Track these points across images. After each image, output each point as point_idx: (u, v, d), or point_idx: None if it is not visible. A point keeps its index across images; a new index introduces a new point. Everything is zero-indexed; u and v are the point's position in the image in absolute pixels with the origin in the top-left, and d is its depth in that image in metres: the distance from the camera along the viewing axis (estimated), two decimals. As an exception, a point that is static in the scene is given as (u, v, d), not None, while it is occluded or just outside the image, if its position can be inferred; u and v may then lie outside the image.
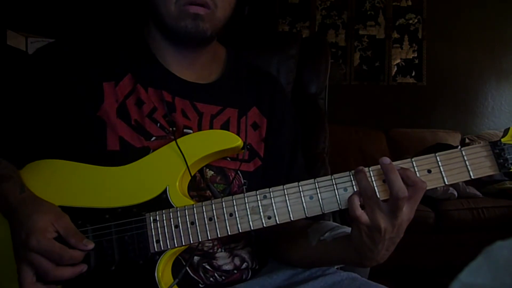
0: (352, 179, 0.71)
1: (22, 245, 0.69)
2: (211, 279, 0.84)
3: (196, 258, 0.83)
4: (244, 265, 0.89)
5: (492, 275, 0.29)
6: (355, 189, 0.71)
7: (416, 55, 3.71)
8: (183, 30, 0.82)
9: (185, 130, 0.85)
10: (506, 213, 2.69)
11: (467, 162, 0.70)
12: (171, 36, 0.87)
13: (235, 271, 0.87)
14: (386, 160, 0.68)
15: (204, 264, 0.83)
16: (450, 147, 3.09)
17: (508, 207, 2.71)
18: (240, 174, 0.89)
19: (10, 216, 0.74)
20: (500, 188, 2.90)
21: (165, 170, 0.77)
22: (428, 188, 0.69)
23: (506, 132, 0.71)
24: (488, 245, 0.31)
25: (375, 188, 0.70)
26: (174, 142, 0.79)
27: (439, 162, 0.70)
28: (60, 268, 0.69)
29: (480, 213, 2.68)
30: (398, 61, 3.72)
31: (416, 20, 3.71)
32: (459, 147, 0.72)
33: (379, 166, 0.69)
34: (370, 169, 0.71)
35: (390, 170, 0.67)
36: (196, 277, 0.82)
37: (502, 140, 0.70)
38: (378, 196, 0.69)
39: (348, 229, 0.84)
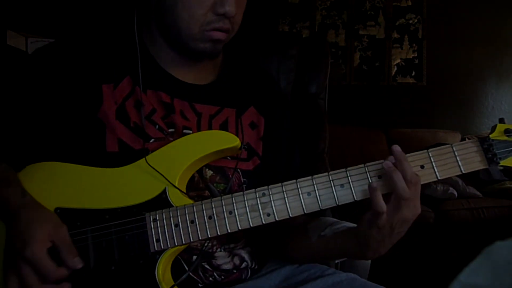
0: (348, 175, 0.73)
1: (16, 252, 0.69)
2: (210, 278, 0.84)
3: (195, 257, 0.83)
4: (243, 265, 0.89)
5: (492, 275, 0.29)
6: (352, 186, 0.73)
7: (416, 55, 3.71)
8: (201, 51, 0.85)
9: (184, 131, 0.86)
10: (506, 213, 2.69)
11: (457, 158, 0.73)
12: (182, 51, 0.88)
13: (235, 271, 0.87)
14: (389, 163, 0.71)
15: (203, 264, 0.83)
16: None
17: (508, 207, 2.71)
18: (240, 173, 0.89)
19: (8, 221, 0.73)
20: (500, 188, 2.90)
21: (164, 170, 0.77)
22: (422, 183, 0.72)
23: (494, 128, 0.75)
24: (488, 245, 0.31)
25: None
26: (173, 142, 0.80)
27: (431, 158, 0.73)
28: (43, 286, 0.69)
29: (480, 213, 2.68)
30: (398, 61, 3.72)
31: (416, 20, 3.71)
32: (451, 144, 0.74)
33: (374, 163, 0.74)
34: (365, 165, 0.74)
35: (392, 171, 0.70)
36: (195, 277, 0.82)
37: (491, 136, 0.74)
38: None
39: (348, 224, 0.85)
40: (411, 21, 3.71)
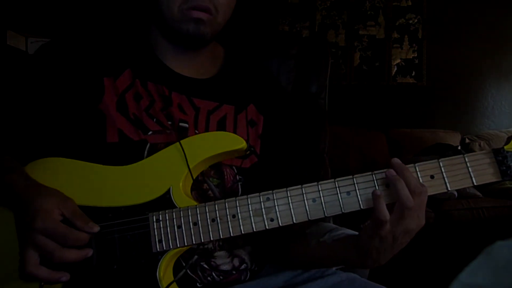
0: (355, 182, 0.72)
1: (27, 227, 0.70)
2: (209, 278, 0.84)
3: (196, 257, 0.83)
4: (243, 266, 0.89)
5: (492, 275, 0.30)
6: (358, 193, 0.71)
7: (416, 55, 3.71)
8: (185, 33, 0.85)
9: (180, 124, 0.86)
10: (506, 213, 2.69)
11: (470, 169, 0.70)
12: (171, 37, 0.89)
13: (234, 272, 0.87)
14: (392, 172, 0.69)
15: (202, 263, 0.83)
16: (450, 147, 3.08)
17: (508, 207, 2.71)
18: (235, 170, 0.89)
19: (14, 203, 0.74)
20: (500, 188, 2.90)
21: (168, 170, 0.77)
22: (431, 193, 0.70)
23: (509, 140, 0.72)
24: (488, 245, 0.31)
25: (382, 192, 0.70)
26: (178, 142, 0.79)
27: (442, 168, 0.71)
28: (65, 249, 0.70)
29: (480, 213, 2.68)
30: (398, 61, 3.72)
31: (416, 20, 3.71)
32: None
33: (382, 171, 0.71)
34: (373, 173, 0.72)
35: (396, 179, 0.68)
36: (194, 276, 0.82)
37: (505, 147, 0.71)
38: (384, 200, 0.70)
39: (347, 231, 0.85)
40: (411, 21, 3.71)
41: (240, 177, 0.89)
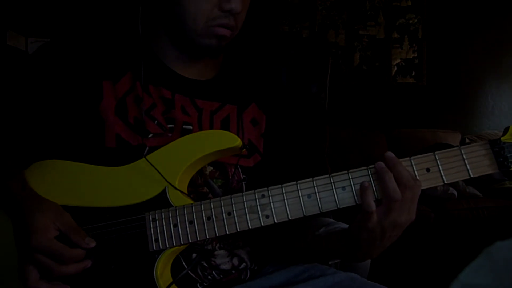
0: (350, 177, 0.72)
1: (24, 244, 0.70)
2: (209, 277, 0.84)
3: (194, 255, 0.83)
4: (242, 265, 0.89)
5: (492, 275, 0.29)
6: (353, 188, 0.72)
7: (416, 55, 3.71)
8: (205, 46, 0.85)
9: (184, 126, 0.86)
10: (506, 213, 2.69)
11: (466, 161, 0.70)
12: (186, 47, 0.88)
13: (233, 271, 0.87)
14: (381, 164, 0.70)
15: (202, 262, 0.83)
16: (450, 147, 3.08)
17: (508, 207, 2.71)
18: (240, 169, 0.89)
19: (13, 214, 0.74)
20: (500, 188, 2.90)
21: (164, 170, 0.77)
22: (427, 187, 0.70)
23: (506, 131, 0.71)
24: (488, 245, 0.31)
25: (373, 187, 0.70)
26: (174, 142, 0.79)
27: (438, 161, 0.70)
28: (63, 265, 0.70)
29: (480, 213, 2.68)
30: (398, 61, 3.72)
31: (416, 20, 3.71)
32: (459, 146, 0.72)
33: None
34: (368, 167, 0.72)
35: (384, 171, 0.69)
36: (194, 276, 0.82)
37: (502, 138, 0.70)
38: (376, 195, 0.70)
39: (343, 225, 0.85)
40: (411, 21, 3.71)
41: (244, 176, 0.89)
